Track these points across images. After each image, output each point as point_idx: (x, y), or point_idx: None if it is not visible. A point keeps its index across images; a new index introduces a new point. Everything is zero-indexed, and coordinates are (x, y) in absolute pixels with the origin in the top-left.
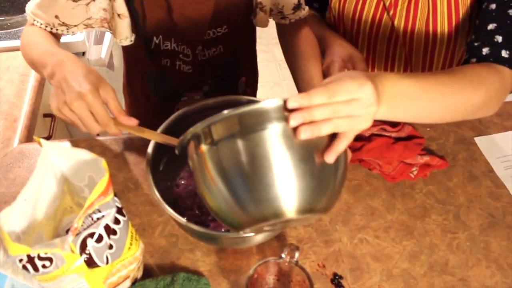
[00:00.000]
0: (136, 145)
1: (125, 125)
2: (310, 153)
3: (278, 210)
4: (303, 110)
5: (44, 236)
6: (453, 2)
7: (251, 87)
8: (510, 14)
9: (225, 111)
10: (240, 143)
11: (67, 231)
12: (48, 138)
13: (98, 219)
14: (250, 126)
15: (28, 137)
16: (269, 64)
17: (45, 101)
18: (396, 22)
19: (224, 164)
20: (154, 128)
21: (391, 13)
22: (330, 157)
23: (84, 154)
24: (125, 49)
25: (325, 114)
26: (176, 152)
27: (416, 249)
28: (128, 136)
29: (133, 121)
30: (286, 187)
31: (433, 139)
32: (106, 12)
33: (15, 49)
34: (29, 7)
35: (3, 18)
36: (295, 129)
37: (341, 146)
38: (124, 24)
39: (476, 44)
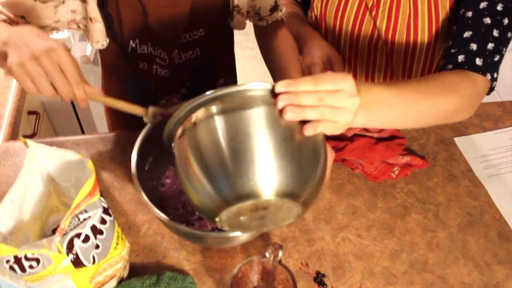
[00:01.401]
0: (121, 144)
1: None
2: (292, 136)
3: (255, 188)
4: (291, 94)
5: (30, 236)
6: (433, 5)
7: None
8: (485, 22)
9: (208, 92)
10: (220, 121)
11: (53, 231)
12: (32, 135)
13: (84, 219)
14: (234, 106)
15: (13, 135)
16: (254, 61)
17: (30, 98)
18: (378, 22)
19: (202, 143)
20: (134, 133)
21: (373, 13)
22: (308, 130)
23: (70, 155)
24: (102, 52)
25: (311, 101)
26: (164, 142)
27: (397, 248)
28: (114, 134)
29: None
30: (265, 165)
31: (414, 139)
32: (75, 13)
33: None
34: None
35: None
36: (280, 112)
37: (320, 127)
38: (96, 28)
39: (452, 51)
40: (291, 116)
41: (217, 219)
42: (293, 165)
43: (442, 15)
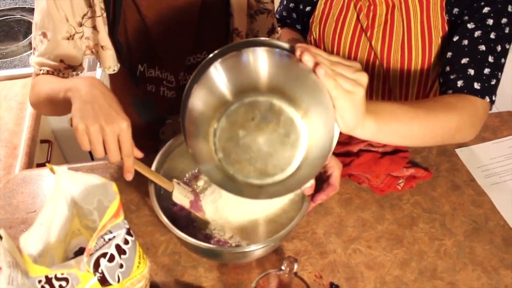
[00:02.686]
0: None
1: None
2: (303, 75)
3: (261, 79)
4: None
5: (55, 258)
6: (426, 26)
7: None
8: (480, 50)
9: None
10: (236, 60)
11: (75, 253)
12: (45, 163)
13: (109, 239)
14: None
15: (29, 164)
16: None
17: (42, 127)
18: (373, 42)
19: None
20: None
21: (368, 33)
22: (320, 70)
23: (94, 179)
24: (111, 75)
25: (324, 61)
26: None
27: (406, 257)
28: None
29: (141, 154)
30: (272, 73)
31: (417, 152)
32: (89, 40)
33: (12, 77)
34: (32, 59)
35: None
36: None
37: (331, 81)
38: (107, 55)
39: (451, 77)
40: (308, 59)
41: (215, 125)
42: (303, 88)
43: (435, 36)
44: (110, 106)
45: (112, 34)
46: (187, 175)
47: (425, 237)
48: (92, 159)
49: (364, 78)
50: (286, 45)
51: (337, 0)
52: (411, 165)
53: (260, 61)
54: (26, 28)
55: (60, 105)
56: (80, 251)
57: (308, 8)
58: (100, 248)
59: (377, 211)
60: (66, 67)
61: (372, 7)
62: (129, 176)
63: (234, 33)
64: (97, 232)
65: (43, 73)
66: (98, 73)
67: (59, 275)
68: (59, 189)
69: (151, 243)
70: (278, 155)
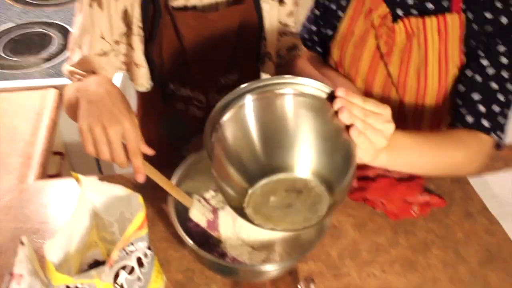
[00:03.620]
0: (151, 183)
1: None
2: (335, 134)
3: (290, 161)
4: (346, 101)
5: (72, 269)
6: (443, 57)
7: None
8: (492, 87)
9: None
10: (267, 100)
11: (89, 266)
12: (57, 175)
13: (131, 251)
14: (287, 92)
15: (42, 174)
16: None
17: (57, 139)
18: (391, 69)
19: (249, 119)
20: (165, 169)
21: (385, 59)
22: (354, 131)
23: (119, 190)
24: (140, 93)
25: (359, 114)
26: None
27: (420, 282)
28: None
29: (151, 151)
30: (307, 145)
31: (430, 179)
32: (125, 56)
33: (30, 88)
34: (65, 67)
35: (19, 59)
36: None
37: (362, 137)
38: (141, 73)
39: (462, 111)
40: (345, 116)
41: (250, 191)
42: (331, 157)
43: (452, 65)
44: (113, 105)
45: (147, 51)
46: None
47: (439, 264)
48: (101, 172)
49: (390, 129)
50: (326, 89)
51: (359, 26)
52: (425, 192)
53: (294, 110)
54: (46, 42)
55: (75, 108)
56: (94, 264)
57: (330, 32)
58: (121, 260)
59: (391, 236)
60: None
61: (392, 34)
62: (140, 178)
63: (266, 57)
64: (121, 243)
65: (74, 82)
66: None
67: (79, 285)
68: (84, 200)
69: (164, 259)
70: (304, 215)
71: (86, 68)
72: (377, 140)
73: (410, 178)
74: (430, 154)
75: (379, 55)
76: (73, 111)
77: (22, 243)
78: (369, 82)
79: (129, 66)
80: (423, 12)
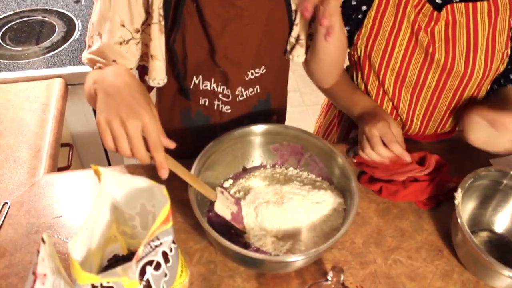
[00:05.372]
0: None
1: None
2: None
3: None
4: None
5: (93, 265)
6: (490, 40)
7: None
8: None
9: None
10: None
11: (108, 260)
12: (67, 168)
13: (156, 246)
14: None
15: (53, 167)
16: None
17: (64, 130)
18: (437, 57)
19: None
20: (184, 159)
21: (430, 50)
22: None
23: (140, 182)
24: (160, 88)
25: None
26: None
27: (448, 268)
28: None
29: (173, 144)
30: None
31: (450, 162)
32: (146, 46)
33: (34, 79)
34: (84, 55)
35: (20, 48)
36: None
37: None
38: (155, 66)
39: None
40: None
41: None
42: None
43: (498, 51)
44: (132, 98)
45: (168, 43)
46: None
47: None
48: (109, 164)
49: None
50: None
51: (388, 17)
52: (451, 178)
53: None
54: (47, 30)
55: (94, 99)
56: (114, 258)
57: (348, 27)
58: (146, 255)
59: (415, 221)
60: None
61: (432, 23)
62: (163, 173)
63: (297, 43)
64: (147, 238)
65: (96, 69)
66: None
67: (105, 284)
68: (104, 193)
69: (185, 251)
70: None
71: (106, 56)
72: None
73: (438, 170)
74: None
75: (414, 45)
76: (93, 102)
77: (43, 241)
78: (401, 72)
79: (145, 58)
80: None
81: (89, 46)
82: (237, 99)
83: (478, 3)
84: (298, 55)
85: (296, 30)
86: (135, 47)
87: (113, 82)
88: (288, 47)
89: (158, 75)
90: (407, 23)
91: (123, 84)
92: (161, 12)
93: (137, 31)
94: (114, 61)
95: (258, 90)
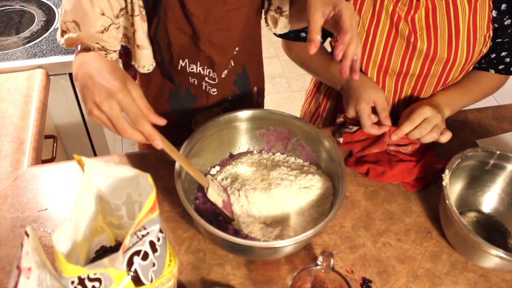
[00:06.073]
0: (152, 162)
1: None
2: None
3: None
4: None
5: (80, 257)
6: (471, 26)
7: (261, 96)
8: None
9: None
10: None
11: (96, 252)
12: (51, 160)
13: (143, 236)
14: None
15: (37, 159)
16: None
17: (48, 122)
18: (419, 45)
19: None
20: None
21: (412, 39)
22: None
23: (125, 171)
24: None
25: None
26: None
27: (437, 250)
28: (143, 153)
29: (163, 120)
30: None
31: (440, 145)
32: (127, 30)
33: (14, 70)
34: (61, 41)
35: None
36: None
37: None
38: (143, 55)
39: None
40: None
41: None
42: None
43: (479, 34)
44: (104, 80)
45: (151, 33)
46: (210, 168)
47: None
48: (95, 154)
49: (439, 117)
50: None
51: (366, 9)
52: (439, 160)
53: None
54: (27, 19)
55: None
56: (101, 250)
57: None
58: (133, 245)
59: (403, 203)
60: (100, 48)
61: (412, 11)
62: (157, 144)
63: (279, 14)
64: (133, 228)
65: (80, 51)
66: None
67: (91, 275)
68: (88, 183)
69: (173, 240)
70: None
71: (86, 43)
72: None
73: (425, 152)
74: (474, 97)
75: (395, 36)
76: None
77: (27, 234)
78: (383, 64)
79: (129, 41)
80: None
81: (64, 32)
82: (223, 82)
83: None
84: (283, 27)
85: (275, 4)
86: (115, 32)
87: (84, 73)
88: (270, 22)
89: (147, 62)
90: (385, 14)
91: (93, 71)
92: (141, 3)
93: (117, 16)
94: (97, 43)
95: (233, 64)
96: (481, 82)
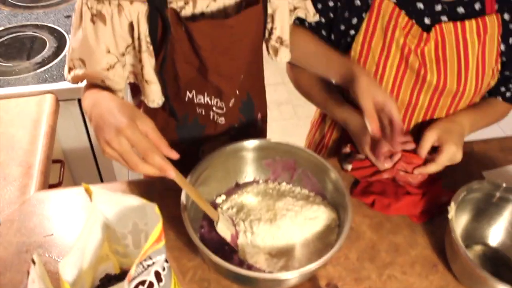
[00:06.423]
0: (158, 190)
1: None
2: None
3: None
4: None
5: (85, 285)
6: (480, 59)
7: (265, 122)
8: None
9: None
10: None
11: (101, 280)
12: (58, 184)
13: (148, 266)
14: None
15: (44, 184)
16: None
17: (55, 146)
18: (428, 76)
19: None
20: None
21: (422, 72)
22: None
23: (132, 200)
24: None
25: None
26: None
27: (443, 283)
28: (149, 180)
29: (175, 154)
30: None
31: (448, 175)
32: (133, 67)
33: (25, 95)
34: (68, 77)
35: (11, 64)
36: None
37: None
38: (152, 90)
39: (501, 89)
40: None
41: None
42: None
43: (488, 67)
44: (113, 118)
45: (158, 70)
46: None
47: None
48: (102, 180)
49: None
50: None
51: (377, 41)
52: (444, 191)
53: None
54: (38, 45)
55: None
56: (106, 278)
57: (342, 51)
58: (138, 275)
59: (409, 235)
60: (105, 88)
61: (422, 44)
62: (170, 174)
63: (283, 45)
64: (139, 258)
65: (87, 86)
66: None
67: None
68: (95, 211)
69: (177, 269)
70: None
71: (92, 81)
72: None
73: (431, 183)
74: (489, 121)
75: (404, 68)
76: None
77: (33, 262)
78: (392, 95)
79: (137, 77)
80: (454, 18)
81: (70, 69)
82: (232, 111)
83: (467, 21)
84: (284, 57)
85: (276, 33)
86: (121, 70)
87: (96, 113)
88: (271, 51)
89: (156, 96)
90: (396, 47)
91: (104, 110)
92: (148, 39)
93: (123, 54)
94: (102, 81)
95: (238, 92)
96: (494, 106)
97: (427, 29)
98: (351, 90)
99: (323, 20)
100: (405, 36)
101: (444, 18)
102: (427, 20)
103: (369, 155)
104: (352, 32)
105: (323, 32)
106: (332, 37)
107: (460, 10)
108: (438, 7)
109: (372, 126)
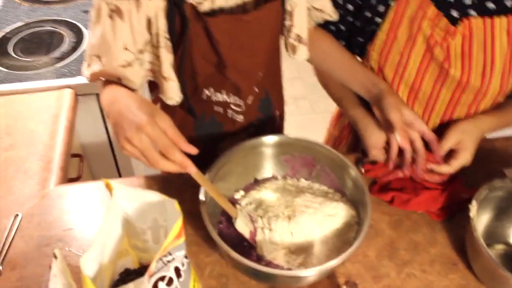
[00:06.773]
0: (176, 185)
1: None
2: None
3: None
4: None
5: (105, 280)
6: (509, 55)
7: (282, 119)
8: None
9: None
10: None
11: (120, 274)
12: (77, 178)
13: (168, 261)
14: None
15: (63, 178)
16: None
17: (74, 141)
18: (452, 72)
19: None
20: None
21: (446, 65)
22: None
23: (152, 196)
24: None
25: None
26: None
27: (463, 282)
28: (168, 175)
29: (194, 149)
30: None
31: (464, 172)
32: (151, 64)
33: (45, 89)
34: (85, 73)
35: (31, 59)
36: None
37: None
38: (170, 87)
39: None
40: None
41: None
42: None
43: None
44: (133, 116)
45: (177, 66)
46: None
47: None
48: (120, 174)
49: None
50: None
51: (402, 31)
52: (465, 188)
53: None
54: (57, 40)
55: None
56: (125, 272)
57: (361, 39)
58: (158, 270)
59: (428, 233)
60: (122, 85)
61: (448, 37)
62: (190, 170)
63: (301, 43)
64: (159, 254)
65: (105, 83)
66: None
67: None
68: (115, 207)
69: (196, 264)
70: None
71: (109, 78)
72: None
73: (450, 180)
74: (502, 127)
75: (429, 60)
76: None
77: (55, 257)
78: (415, 87)
79: (155, 75)
80: (483, 12)
81: (89, 65)
82: (250, 109)
83: (496, 18)
84: (302, 54)
85: (294, 31)
86: (138, 68)
87: (115, 110)
88: (289, 49)
89: (174, 94)
90: (422, 37)
91: (122, 107)
92: (166, 35)
93: (141, 51)
94: (118, 79)
95: (257, 91)
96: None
97: (455, 22)
98: (376, 105)
99: (351, 7)
100: (433, 28)
101: (472, 12)
102: (454, 13)
103: (377, 157)
104: (378, 19)
105: (342, 27)
106: (358, 24)
107: (490, 5)
108: (468, 0)
109: (401, 137)
